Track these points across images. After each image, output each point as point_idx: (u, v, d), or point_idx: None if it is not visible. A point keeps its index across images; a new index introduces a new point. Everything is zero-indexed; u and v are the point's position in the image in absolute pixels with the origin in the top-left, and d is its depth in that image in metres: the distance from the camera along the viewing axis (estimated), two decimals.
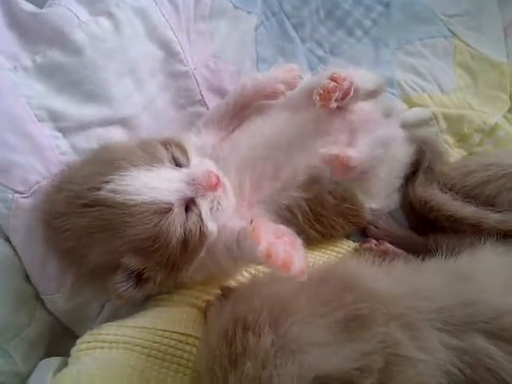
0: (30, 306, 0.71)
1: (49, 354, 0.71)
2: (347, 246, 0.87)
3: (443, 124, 0.99)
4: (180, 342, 0.64)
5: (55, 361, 0.66)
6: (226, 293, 0.65)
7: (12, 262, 0.68)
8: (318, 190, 0.77)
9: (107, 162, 0.63)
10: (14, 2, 0.73)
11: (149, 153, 0.64)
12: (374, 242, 0.87)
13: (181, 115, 0.87)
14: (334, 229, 0.82)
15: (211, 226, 0.65)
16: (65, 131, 0.73)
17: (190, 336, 0.64)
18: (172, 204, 0.61)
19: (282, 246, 0.51)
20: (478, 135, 0.99)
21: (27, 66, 0.72)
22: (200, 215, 0.64)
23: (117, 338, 0.63)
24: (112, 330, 0.64)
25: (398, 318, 0.52)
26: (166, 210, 0.60)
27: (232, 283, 0.74)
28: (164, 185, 0.61)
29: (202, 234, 0.64)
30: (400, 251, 0.84)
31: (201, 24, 0.93)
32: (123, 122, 0.78)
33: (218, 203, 0.65)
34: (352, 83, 0.71)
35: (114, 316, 0.71)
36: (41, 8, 0.74)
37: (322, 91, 0.69)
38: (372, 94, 0.80)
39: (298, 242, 0.54)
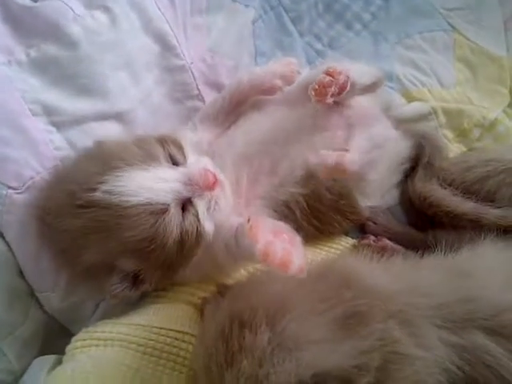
0: (25, 304, 0.70)
1: (43, 351, 0.71)
2: (345, 242, 0.86)
3: (442, 119, 0.98)
4: (176, 339, 0.63)
5: (50, 359, 0.65)
6: (223, 290, 0.64)
7: (6, 258, 0.68)
8: (315, 185, 0.76)
9: (102, 161, 0.62)
10: None
11: (145, 151, 0.63)
12: (372, 238, 0.86)
13: (178, 110, 0.86)
14: (331, 225, 0.82)
15: (208, 226, 0.64)
16: (59, 126, 0.72)
17: (186, 334, 0.64)
18: (168, 205, 0.60)
19: (280, 244, 0.50)
20: (477, 130, 0.98)
21: (21, 59, 0.71)
22: (197, 215, 0.63)
23: (112, 336, 0.62)
24: (107, 328, 0.64)
25: (396, 315, 0.52)
26: (162, 211, 0.59)
27: (229, 281, 0.73)
28: (160, 185, 0.60)
29: (199, 234, 0.63)
30: (399, 247, 0.83)
31: (197, 18, 0.92)
32: (119, 117, 0.77)
33: (216, 203, 0.65)
34: (348, 77, 0.70)
35: (110, 314, 0.70)
36: (35, 1, 0.73)
37: (317, 86, 0.68)
38: (370, 88, 0.79)
39: (297, 239, 0.53)
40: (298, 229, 0.56)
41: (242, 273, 0.74)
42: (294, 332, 0.47)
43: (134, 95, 0.79)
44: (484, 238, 0.67)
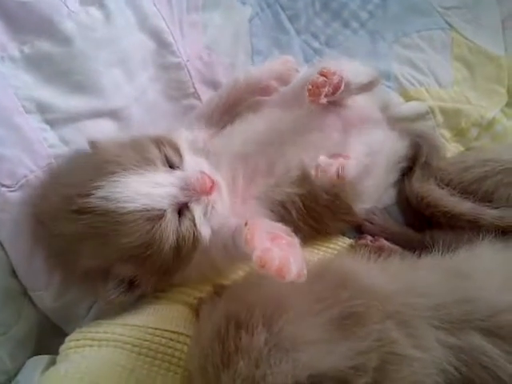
0: (18, 303, 0.70)
1: (37, 351, 0.70)
2: (342, 242, 0.86)
3: (440, 118, 0.98)
4: (171, 340, 0.62)
5: (43, 359, 0.65)
6: (219, 290, 0.64)
7: None
8: (311, 185, 0.76)
9: (98, 165, 0.61)
10: None
11: (140, 154, 0.62)
12: (369, 238, 0.86)
13: (173, 108, 0.86)
14: (328, 226, 0.81)
15: (204, 231, 0.64)
16: (53, 123, 0.71)
17: (182, 334, 0.63)
18: (165, 210, 0.59)
19: (277, 251, 0.49)
20: (475, 130, 0.98)
21: (15, 56, 0.71)
22: (193, 220, 0.62)
23: (106, 336, 0.62)
24: (101, 328, 0.63)
25: (393, 316, 0.52)
26: (158, 217, 0.59)
27: (225, 281, 0.73)
28: (156, 190, 0.59)
29: (195, 239, 0.63)
30: (396, 247, 0.83)
31: (194, 15, 0.91)
32: (113, 114, 0.77)
33: (212, 207, 0.64)
34: (342, 77, 0.69)
35: (104, 313, 0.69)
36: None
37: (310, 86, 0.67)
38: (366, 88, 0.79)
39: (295, 241, 0.53)
40: (295, 229, 0.55)
41: (238, 273, 0.74)
42: (291, 333, 0.46)
43: (129, 92, 0.79)
44: (482, 239, 0.66)
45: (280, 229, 0.54)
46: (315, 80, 0.67)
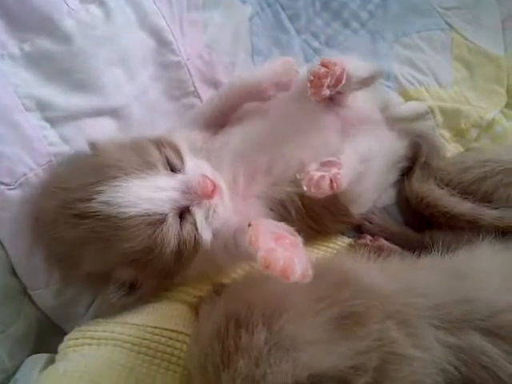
0: (17, 302, 0.69)
1: (36, 350, 0.70)
2: (341, 241, 0.86)
3: (440, 118, 0.98)
4: (170, 339, 0.62)
5: (42, 357, 0.65)
6: (218, 289, 0.64)
7: None
8: None
9: (98, 168, 0.61)
10: None
11: (141, 157, 0.62)
12: (368, 237, 0.86)
13: (174, 107, 0.86)
14: (326, 226, 0.81)
15: (206, 235, 0.64)
16: (53, 121, 0.71)
17: (181, 333, 0.63)
18: (166, 214, 0.59)
19: (281, 252, 0.49)
20: (475, 130, 0.98)
21: (15, 54, 0.70)
22: (195, 224, 0.62)
23: (105, 335, 0.62)
24: (101, 327, 0.63)
25: (393, 316, 0.52)
26: (160, 221, 0.59)
27: (225, 280, 0.73)
28: (158, 195, 0.59)
29: (197, 243, 0.62)
30: (395, 247, 0.83)
31: (194, 13, 0.91)
32: (114, 113, 0.76)
33: (214, 211, 0.64)
34: (344, 69, 0.68)
35: (103, 312, 0.69)
36: None
37: (312, 77, 0.66)
38: (366, 82, 0.78)
39: (299, 240, 0.52)
40: (295, 229, 0.55)
41: (238, 272, 0.74)
42: (291, 332, 0.46)
43: (129, 91, 0.78)
44: (482, 240, 0.67)
45: (283, 228, 0.54)
46: (317, 71, 0.66)
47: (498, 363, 0.51)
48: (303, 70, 0.83)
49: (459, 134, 0.98)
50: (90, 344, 0.61)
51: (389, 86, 0.99)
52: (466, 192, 0.80)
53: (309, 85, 0.67)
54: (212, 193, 0.63)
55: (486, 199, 0.77)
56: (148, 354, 0.61)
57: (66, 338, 0.63)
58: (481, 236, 0.67)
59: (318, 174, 0.62)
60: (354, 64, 0.73)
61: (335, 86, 0.68)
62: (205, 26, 0.92)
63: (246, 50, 0.97)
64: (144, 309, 0.67)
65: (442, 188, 0.83)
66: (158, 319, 0.65)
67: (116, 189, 0.58)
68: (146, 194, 0.59)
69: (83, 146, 0.70)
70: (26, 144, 0.68)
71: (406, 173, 0.90)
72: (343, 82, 0.68)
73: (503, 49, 1.07)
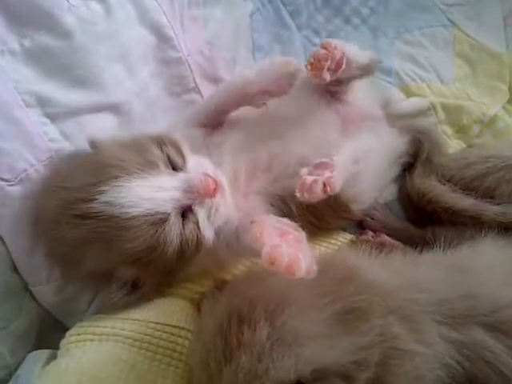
0: (19, 298, 0.69)
1: (38, 346, 0.70)
2: (343, 237, 0.86)
3: (441, 114, 0.97)
4: (172, 334, 0.62)
5: (44, 353, 0.65)
6: (220, 285, 0.64)
7: None
8: None
9: (99, 168, 0.60)
10: None
11: (143, 157, 0.61)
12: (370, 233, 0.86)
13: (175, 103, 0.85)
14: (327, 222, 0.81)
15: (208, 234, 0.63)
16: (53, 117, 0.70)
17: (183, 329, 0.63)
18: (168, 214, 0.59)
19: (286, 248, 0.49)
20: (477, 126, 0.98)
21: (15, 49, 0.70)
22: (197, 223, 0.62)
23: (107, 331, 0.61)
24: (102, 323, 0.63)
25: (396, 311, 0.52)
26: (162, 221, 0.58)
27: (227, 275, 0.73)
28: (160, 194, 0.59)
29: (199, 242, 0.62)
30: (397, 243, 0.83)
31: (195, 9, 0.91)
32: (114, 109, 0.76)
33: (216, 210, 0.63)
34: (344, 53, 0.67)
35: (105, 308, 0.69)
36: None
37: (312, 59, 0.66)
38: (366, 69, 0.77)
39: (302, 235, 0.52)
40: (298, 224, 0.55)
41: (240, 268, 0.73)
42: (294, 327, 0.46)
43: (130, 87, 0.78)
44: (484, 235, 0.67)
45: (287, 224, 0.54)
46: (317, 52, 0.66)
47: (501, 358, 0.52)
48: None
49: (461, 130, 0.98)
50: (91, 340, 0.61)
51: (390, 83, 0.99)
52: (468, 188, 0.79)
53: (309, 67, 0.66)
54: (214, 192, 0.62)
55: (489, 195, 0.77)
56: (150, 350, 0.60)
57: (68, 333, 0.63)
58: (483, 232, 0.67)
59: (311, 178, 0.62)
60: (354, 50, 0.72)
61: (335, 70, 0.67)
62: (206, 22, 0.91)
63: (247, 46, 0.97)
64: (146, 304, 0.67)
65: (444, 184, 0.83)
66: (160, 315, 0.64)
67: (118, 189, 0.57)
68: (148, 193, 0.58)
69: (84, 143, 0.70)
70: (27, 140, 0.67)
71: (408, 169, 0.90)
72: (343, 66, 0.68)
73: (505, 45, 1.07)
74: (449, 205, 0.79)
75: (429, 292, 0.54)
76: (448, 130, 0.98)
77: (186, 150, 0.67)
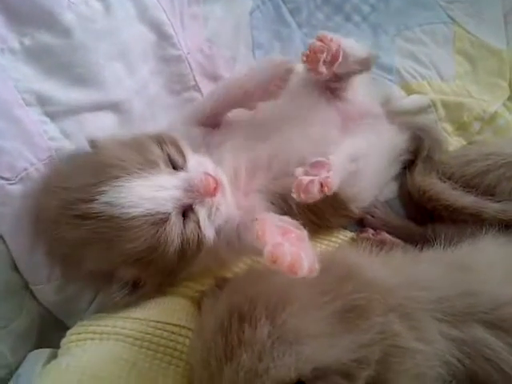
0: (19, 297, 0.69)
1: (38, 345, 0.70)
2: (344, 235, 0.86)
3: (442, 112, 0.97)
4: (173, 333, 0.62)
5: (45, 352, 0.65)
6: (221, 283, 0.64)
7: None
8: None
9: (99, 168, 0.60)
10: None
11: (143, 156, 0.61)
12: (371, 231, 0.86)
13: (175, 101, 0.85)
14: (327, 220, 0.81)
15: (209, 233, 0.63)
16: (53, 116, 0.70)
17: (183, 327, 0.63)
18: (169, 213, 0.59)
19: (288, 247, 0.49)
20: (477, 123, 0.98)
21: (14, 48, 0.69)
22: (198, 222, 0.61)
23: (108, 330, 0.61)
24: (103, 321, 0.63)
25: (396, 309, 0.52)
26: (163, 220, 0.58)
27: (227, 274, 0.73)
28: (160, 194, 0.58)
29: (200, 241, 0.62)
30: (398, 241, 0.83)
31: (194, 7, 0.90)
32: (114, 107, 0.76)
33: (217, 209, 0.63)
34: (340, 46, 0.67)
35: (106, 307, 0.69)
36: None
37: (308, 52, 0.65)
38: (363, 63, 0.76)
39: (304, 234, 0.52)
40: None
41: (241, 266, 0.73)
42: (295, 325, 0.46)
43: (130, 85, 0.78)
44: (485, 233, 0.67)
45: (289, 222, 0.54)
46: (313, 45, 0.65)
47: (502, 356, 0.52)
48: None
49: (462, 128, 0.98)
50: (92, 339, 0.61)
51: (391, 80, 0.99)
52: (468, 185, 0.79)
53: (305, 59, 0.66)
54: (215, 191, 0.62)
55: (489, 192, 0.77)
56: (150, 349, 0.60)
57: (69, 332, 0.63)
58: (483, 229, 0.67)
59: (307, 178, 0.62)
60: (350, 43, 0.72)
61: (332, 63, 0.67)
62: (205, 20, 0.91)
63: (247, 43, 0.96)
64: (146, 303, 0.67)
65: (445, 181, 0.83)
66: (161, 313, 0.64)
67: (118, 189, 0.57)
68: (148, 193, 0.58)
69: (84, 141, 0.69)
70: (27, 139, 0.67)
71: (408, 166, 0.90)
72: (340, 59, 0.67)
73: (505, 42, 1.07)
74: (449, 202, 0.79)
75: (429, 290, 0.54)
76: (448, 127, 0.98)
77: (186, 148, 0.67)
